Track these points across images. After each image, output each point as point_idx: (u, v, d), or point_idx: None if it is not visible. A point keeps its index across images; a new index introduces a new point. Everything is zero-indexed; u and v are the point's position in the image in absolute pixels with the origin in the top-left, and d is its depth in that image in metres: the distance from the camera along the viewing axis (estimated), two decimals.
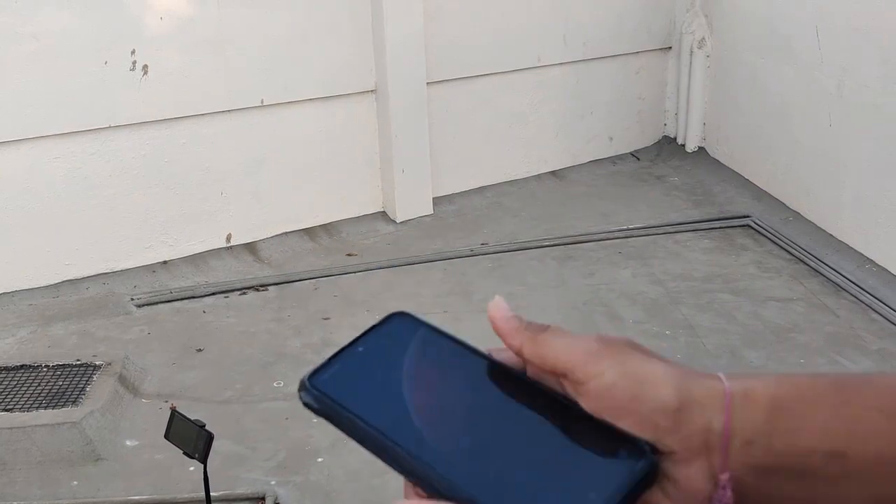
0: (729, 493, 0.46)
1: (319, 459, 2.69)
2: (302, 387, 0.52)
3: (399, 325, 0.56)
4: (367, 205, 4.41)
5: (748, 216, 4.26)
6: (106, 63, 3.61)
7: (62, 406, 2.85)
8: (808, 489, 0.46)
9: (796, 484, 0.46)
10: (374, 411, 0.51)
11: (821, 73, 3.86)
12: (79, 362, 3.14)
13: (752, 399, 0.46)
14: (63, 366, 3.12)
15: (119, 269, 3.86)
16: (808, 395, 0.46)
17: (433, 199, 4.49)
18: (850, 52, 3.72)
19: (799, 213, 4.17)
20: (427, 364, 0.53)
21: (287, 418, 2.89)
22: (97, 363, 3.13)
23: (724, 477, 0.46)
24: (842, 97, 3.78)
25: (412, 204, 4.40)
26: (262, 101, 3.98)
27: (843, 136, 3.80)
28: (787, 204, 4.26)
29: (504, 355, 0.54)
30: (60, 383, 3.00)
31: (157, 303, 3.67)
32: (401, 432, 0.50)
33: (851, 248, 3.78)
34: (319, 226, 4.26)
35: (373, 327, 0.56)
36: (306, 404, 0.52)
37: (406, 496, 0.49)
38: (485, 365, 0.53)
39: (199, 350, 3.32)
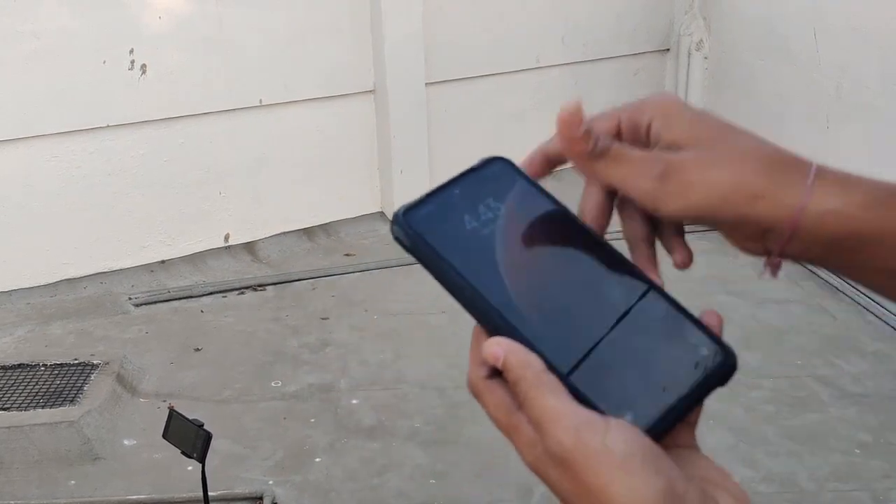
0: (779, 262, 0.50)
1: (318, 459, 2.69)
2: (395, 220, 0.53)
3: (497, 171, 0.56)
4: (366, 205, 4.41)
5: None
6: (105, 62, 3.61)
7: (60, 405, 2.85)
8: (860, 264, 0.49)
9: (848, 257, 0.49)
10: (461, 256, 0.50)
11: (819, 74, 3.87)
12: (77, 361, 3.14)
13: (843, 186, 0.49)
14: (61, 365, 3.12)
15: (117, 268, 3.85)
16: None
17: None
18: (848, 52, 3.73)
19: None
20: (519, 216, 0.52)
21: (285, 418, 2.89)
22: (95, 362, 3.13)
23: (776, 260, 0.50)
24: (840, 98, 3.78)
25: None
26: (260, 101, 3.98)
27: (841, 138, 3.81)
28: None
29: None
30: (58, 382, 3.00)
31: (155, 302, 3.67)
32: (484, 282, 0.49)
33: None
34: (318, 226, 4.26)
35: (470, 169, 0.56)
36: (396, 238, 0.52)
37: (475, 338, 0.49)
38: (579, 230, 0.52)
39: (198, 349, 3.32)
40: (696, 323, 0.49)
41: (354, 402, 2.96)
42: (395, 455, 2.69)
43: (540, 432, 0.44)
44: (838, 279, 3.67)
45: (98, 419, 2.82)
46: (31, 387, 2.98)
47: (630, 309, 0.49)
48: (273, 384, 3.09)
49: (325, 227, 4.27)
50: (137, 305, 3.64)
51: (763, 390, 2.99)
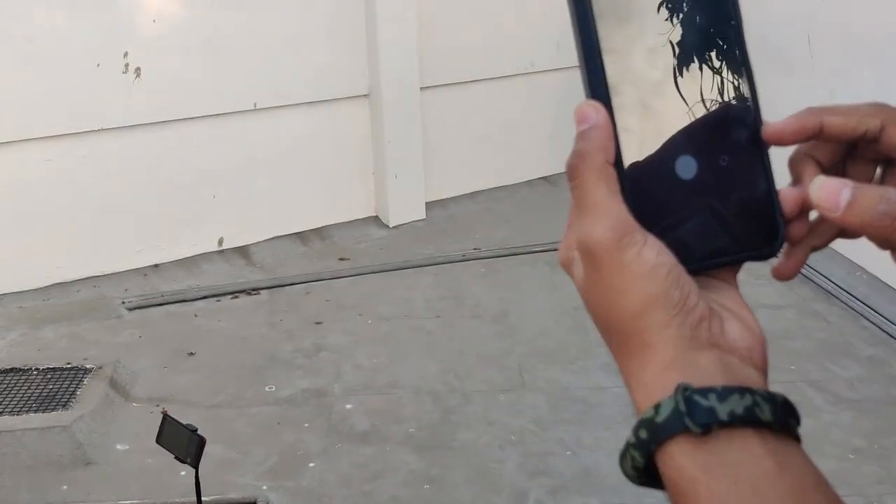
0: None
1: (311, 464, 2.68)
2: None
3: None
4: (360, 209, 4.41)
5: None
6: (98, 65, 3.60)
7: (52, 410, 2.83)
8: None
9: None
10: (611, 18, 0.47)
11: (813, 80, 3.88)
12: (69, 366, 3.13)
13: None
14: (53, 369, 3.10)
15: (110, 272, 3.84)
16: None
17: (426, 203, 4.49)
18: (841, 58, 3.74)
19: None
20: (693, 16, 0.47)
21: (279, 423, 2.89)
22: (88, 367, 3.12)
23: None
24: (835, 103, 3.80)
25: (405, 208, 4.40)
26: (255, 105, 3.98)
27: None
28: None
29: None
30: (51, 387, 2.98)
31: (148, 306, 3.65)
32: (613, 52, 0.47)
33: (842, 256, 3.80)
34: (312, 230, 4.26)
35: None
36: None
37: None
38: (741, 63, 0.48)
39: (191, 354, 3.31)
40: (776, 198, 0.48)
41: (348, 406, 2.96)
42: (389, 460, 2.69)
43: (580, 218, 0.45)
44: (832, 284, 3.68)
45: (91, 424, 2.81)
46: (23, 391, 2.96)
47: (729, 157, 0.47)
48: (267, 389, 3.08)
49: (319, 231, 4.27)
50: (130, 309, 3.63)
51: None
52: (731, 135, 0.47)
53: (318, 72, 4.09)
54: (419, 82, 4.28)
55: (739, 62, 0.48)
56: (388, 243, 4.23)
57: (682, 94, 0.47)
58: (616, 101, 0.46)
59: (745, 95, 0.48)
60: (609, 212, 0.44)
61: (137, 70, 3.69)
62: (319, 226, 4.28)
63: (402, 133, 4.28)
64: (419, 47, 4.22)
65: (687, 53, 0.47)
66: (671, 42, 0.47)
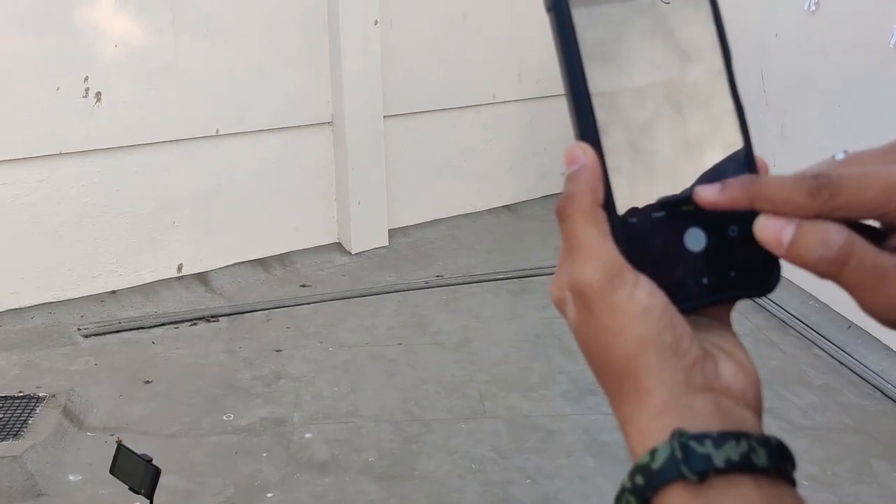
0: None
1: (269, 495, 2.64)
2: None
3: None
4: (323, 236, 4.40)
5: None
6: (58, 89, 3.57)
7: (3, 440, 2.76)
8: None
9: None
10: (596, 50, 0.47)
11: (765, 115, 3.99)
12: (21, 394, 3.06)
13: None
14: (5, 398, 3.03)
15: (66, 298, 3.77)
16: None
17: (389, 231, 4.50)
18: (792, 95, 3.85)
19: None
20: (674, 39, 0.48)
21: (236, 452, 2.84)
22: (41, 395, 3.05)
23: None
24: (785, 138, 3.90)
25: (367, 235, 4.40)
26: (217, 131, 3.97)
27: (785, 174, 3.92)
28: None
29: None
30: (1, 416, 2.91)
31: (104, 333, 3.59)
32: (600, 88, 0.46)
33: (796, 285, 3.89)
34: (273, 256, 4.24)
35: None
36: None
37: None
38: (722, 87, 0.48)
39: (147, 382, 3.26)
40: (770, 257, 0.47)
41: (307, 436, 2.93)
42: (349, 490, 2.66)
43: (571, 260, 0.45)
44: (786, 313, 3.76)
45: (42, 454, 2.74)
46: None
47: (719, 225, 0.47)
48: (224, 418, 3.04)
49: (280, 258, 4.25)
50: (86, 336, 3.56)
51: None
52: (721, 172, 0.47)
53: (281, 99, 4.10)
54: (383, 111, 4.31)
55: (730, 103, 0.48)
56: (350, 270, 4.22)
57: (672, 134, 0.47)
58: (606, 142, 0.46)
59: (736, 134, 0.48)
60: (599, 253, 0.44)
61: (98, 95, 3.66)
62: (281, 252, 4.26)
63: (366, 160, 4.29)
64: (383, 76, 4.25)
65: (676, 95, 0.47)
66: (660, 84, 0.47)
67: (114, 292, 3.87)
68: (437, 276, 4.15)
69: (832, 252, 0.43)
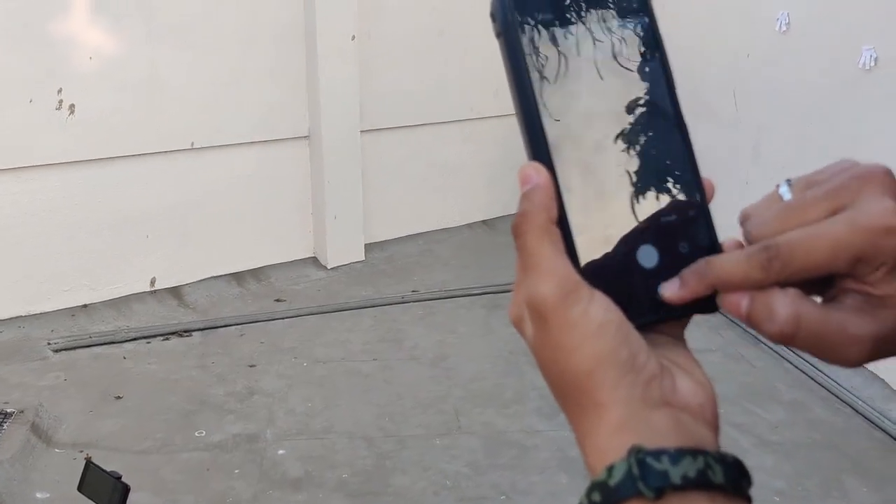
0: None
1: None
2: None
3: None
4: (298, 250, 4.39)
5: None
6: (31, 101, 3.54)
7: None
8: None
9: None
10: (544, 71, 0.47)
11: (739, 133, 4.04)
12: None
13: None
14: None
15: (37, 312, 3.72)
16: None
17: (365, 245, 4.49)
18: (765, 113, 3.91)
19: None
20: (623, 58, 0.49)
21: (208, 469, 2.82)
22: (8, 411, 3.00)
23: None
24: (758, 156, 3.96)
25: (344, 250, 4.39)
26: (192, 144, 3.95)
27: (759, 193, 3.96)
28: None
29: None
30: None
31: (75, 348, 3.55)
32: (551, 109, 0.47)
33: None
34: (248, 270, 4.21)
35: None
36: (492, 15, 0.49)
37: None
38: (668, 109, 0.49)
39: (118, 398, 3.22)
40: (717, 248, 0.48)
41: (280, 452, 2.91)
42: None
43: (526, 277, 0.45)
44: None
45: (9, 471, 2.69)
46: None
47: (669, 207, 0.48)
48: (196, 434, 3.01)
49: (255, 272, 4.22)
50: (57, 351, 3.52)
51: None
52: (671, 190, 0.49)
53: (257, 113, 4.09)
54: (360, 125, 4.31)
55: (675, 124, 0.50)
56: (325, 285, 4.21)
57: (623, 151, 0.48)
58: (558, 161, 0.47)
59: (682, 154, 0.50)
60: (554, 269, 0.44)
61: (72, 107, 3.63)
62: (256, 266, 4.24)
63: (342, 175, 4.29)
64: (360, 91, 4.26)
65: (624, 113, 0.49)
66: (608, 105, 0.48)
67: (85, 306, 3.83)
68: (414, 291, 4.14)
69: (778, 326, 0.45)
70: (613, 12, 0.50)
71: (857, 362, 0.46)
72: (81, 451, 2.87)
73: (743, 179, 4.05)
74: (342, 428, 3.05)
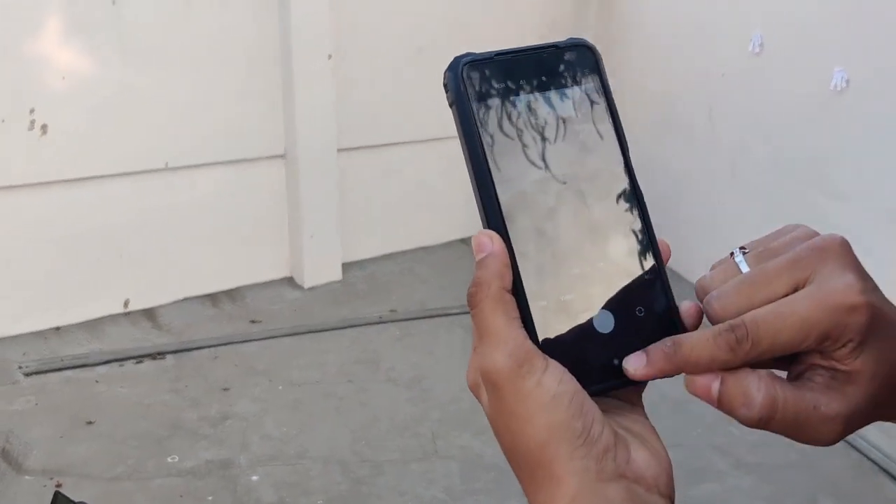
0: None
1: None
2: (452, 67, 0.51)
3: (579, 58, 0.50)
4: (274, 270, 4.35)
5: None
6: (3, 121, 3.49)
7: None
8: None
9: None
10: (495, 138, 0.48)
11: (715, 154, 4.07)
12: None
13: None
14: None
15: (7, 335, 3.67)
16: None
17: (343, 264, 4.46)
18: (740, 134, 3.94)
19: (693, 285, 4.32)
20: (571, 127, 0.49)
21: (181, 496, 2.78)
22: None
23: None
24: (735, 177, 3.98)
25: (321, 269, 4.36)
26: (166, 164, 3.91)
27: (734, 216, 3.99)
28: (683, 276, 4.42)
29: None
30: None
31: (46, 371, 3.49)
32: (503, 177, 0.47)
33: None
34: (223, 291, 4.17)
35: (554, 45, 0.51)
36: (445, 84, 0.51)
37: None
38: (621, 173, 0.49)
39: (90, 423, 3.17)
40: (674, 313, 0.48)
41: (254, 478, 2.87)
42: None
43: (481, 346, 0.45)
44: None
45: None
46: None
47: (625, 272, 0.48)
48: (169, 460, 2.97)
49: (230, 293, 4.18)
50: (28, 375, 3.46)
51: None
52: (626, 254, 0.48)
53: (232, 131, 4.06)
54: (337, 143, 4.29)
55: (629, 189, 0.50)
56: (302, 305, 4.18)
57: (575, 219, 0.48)
58: (512, 228, 0.47)
59: (638, 214, 0.50)
60: (507, 339, 0.44)
61: (44, 127, 3.59)
62: (231, 287, 4.20)
63: (319, 193, 4.27)
64: (337, 109, 4.24)
65: (578, 178, 0.49)
66: (562, 172, 0.49)
67: (58, 328, 3.77)
68: (392, 311, 4.12)
69: (756, 412, 0.45)
70: (565, 78, 0.50)
71: (830, 441, 0.47)
72: (52, 479, 2.83)
73: (719, 202, 4.07)
74: (317, 453, 3.01)
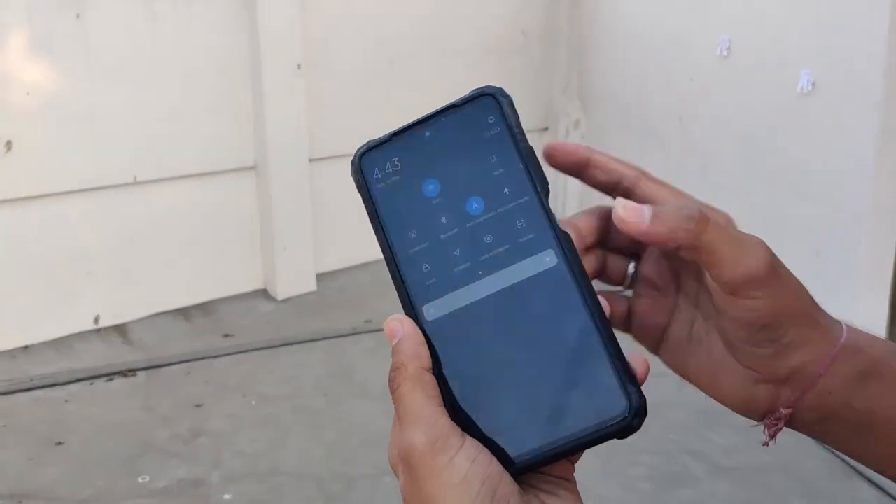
0: (782, 424, 0.50)
1: None
2: (353, 160, 0.51)
3: (481, 111, 0.48)
4: (247, 282, 4.32)
5: None
6: None
7: None
8: (863, 443, 0.49)
9: (853, 435, 0.49)
10: (400, 223, 0.47)
11: (687, 157, 4.08)
12: None
13: (855, 354, 0.49)
14: None
15: None
16: None
17: (317, 275, 4.43)
18: (710, 137, 3.95)
19: None
20: (480, 185, 0.47)
21: None
22: None
23: (787, 411, 0.51)
24: (706, 179, 3.99)
25: (294, 281, 4.33)
26: (135, 178, 3.87)
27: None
28: None
29: (584, 222, 0.54)
30: None
31: (14, 392, 3.44)
32: (411, 262, 0.47)
33: None
34: (195, 305, 4.13)
35: (453, 105, 0.49)
36: (351, 173, 0.51)
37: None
38: (547, 229, 0.46)
39: (59, 444, 3.12)
40: (617, 364, 0.44)
41: (227, 496, 2.84)
42: None
43: (399, 426, 0.45)
44: None
45: None
46: None
47: (553, 332, 0.45)
48: (140, 480, 2.92)
49: (202, 307, 4.14)
50: None
51: (640, 467, 3.04)
52: (550, 310, 0.45)
53: (202, 144, 4.02)
54: (308, 154, 4.26)
55: (552, 244, 0.47)
56: (275, 317, 4.14)
57: (487, 283, 0.46)
58: (425, 313, 0.46)
59: (557, 262, 0.46)
60: (423, 417, 0.43)
61: (9, 144, 3.54)
62: (204, 301, 4.16)
63: (291, 205, 4.24)
64: (308, 120, 4.22)
65: (492, 254, 0.47)
66: (476, 245, 0.47)
67: (26, 347, 3.72)
68: (366, 321, 4.10)
69: (693, 211, 0.47)
70: (466, 139, 0.48)
71: (763, 249, 0.49)
72: (20, 503, 2.78)
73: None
74: (291, 469, 2.98)
